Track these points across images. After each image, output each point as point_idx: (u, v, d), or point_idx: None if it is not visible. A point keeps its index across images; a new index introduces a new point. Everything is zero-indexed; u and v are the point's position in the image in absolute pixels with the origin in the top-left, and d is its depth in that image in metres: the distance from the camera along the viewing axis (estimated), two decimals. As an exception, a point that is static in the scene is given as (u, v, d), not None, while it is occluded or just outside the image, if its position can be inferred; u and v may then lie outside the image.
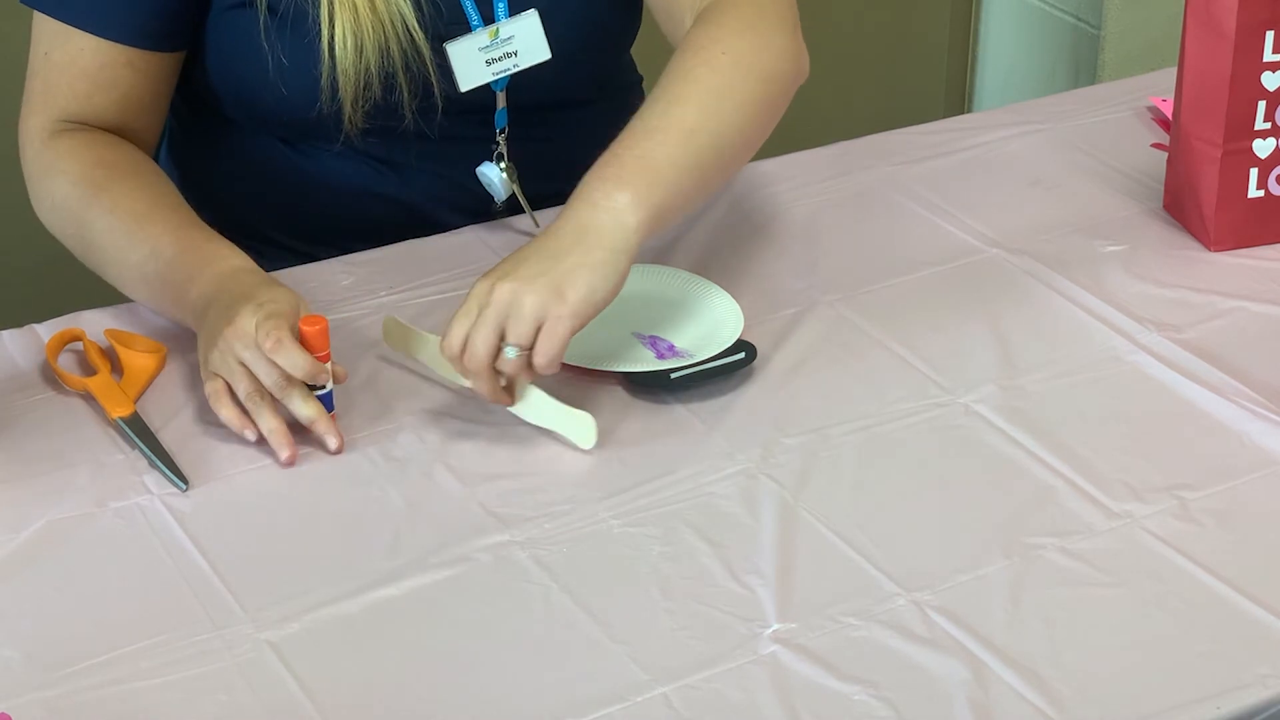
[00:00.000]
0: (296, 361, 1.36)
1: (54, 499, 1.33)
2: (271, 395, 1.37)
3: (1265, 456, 1.37)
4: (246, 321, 1.37)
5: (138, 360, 1.45)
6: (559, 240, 1.38)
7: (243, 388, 1.37)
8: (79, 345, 1.49)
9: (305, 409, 1.37)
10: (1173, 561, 1.26)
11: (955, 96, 3.21)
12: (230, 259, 1.46)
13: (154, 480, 1.35)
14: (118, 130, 1.59)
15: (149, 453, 1.36)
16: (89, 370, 1.46)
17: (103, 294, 1.61)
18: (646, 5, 1.66)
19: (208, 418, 1.41)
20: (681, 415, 1.42)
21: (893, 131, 1.82)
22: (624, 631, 1.21)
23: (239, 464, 1.36)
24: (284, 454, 1.35)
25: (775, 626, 1.21)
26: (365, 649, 1.20)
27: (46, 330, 1.51)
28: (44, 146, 1.57)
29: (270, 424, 1.36)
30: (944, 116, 1.93)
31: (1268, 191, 1.62)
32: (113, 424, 1.40)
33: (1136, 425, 1.41)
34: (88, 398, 1.43)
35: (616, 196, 1.39)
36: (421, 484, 1.35)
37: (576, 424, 1.38)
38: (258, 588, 1.24)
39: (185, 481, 1.34)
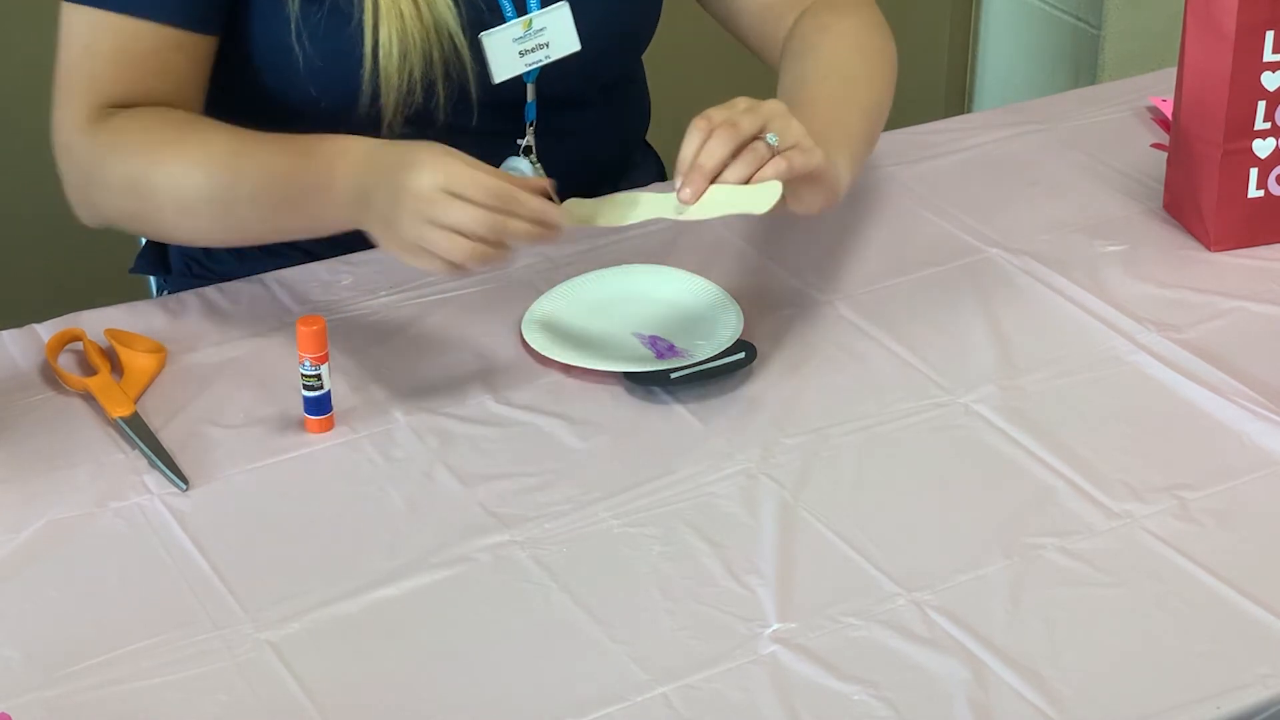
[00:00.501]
0: (526, 204, 1.34)
1: (54, 499, 1.33)
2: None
3: (1265, 456, 1.37)
4: (449, 167, 1.33)
5: (138, 360, 1.45)
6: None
7: (464, 251, 1.33)
8: (79, 345, 1.49)
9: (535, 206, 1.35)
10: (1173, 561, 1.26)
11: (955, 96, 3.21)
12: (353, 146, 1.42)
13: (154, 480, 1.35)
14: None
15: (149, 453, 1.36)
16: (89, 370, 1.46)
17: (103, 294, 1.61)
18: (725, 11, 1.71)
19: (208, 418, 1.41)
20: (681, 415, 1.42)
21: (893, 131, 1.82)
22: (624, 631, 1.21)
23: (239, 464, 1.36)
24: (552, 228, 1.34)
25: (775, 626, 1.21)
26: (365, 649, 1.20)
27: (46, 330, 1.51)
28: (95, 132, 1.50)
29: (520, 227, 1.34)
30: (944, 116, 1.93)
31: (1268, 191, 1.62)
32: (113, 424, 1.40)
33: (1136, 425, 1.41)
34: (88, 398, 1.43)
35: (836, 153, 1.46)
36: (421, 484, 1.35)
37: (754, 194, 1.36)
38: (258, 588, 1.24)
39: (185, 481, 1.34)
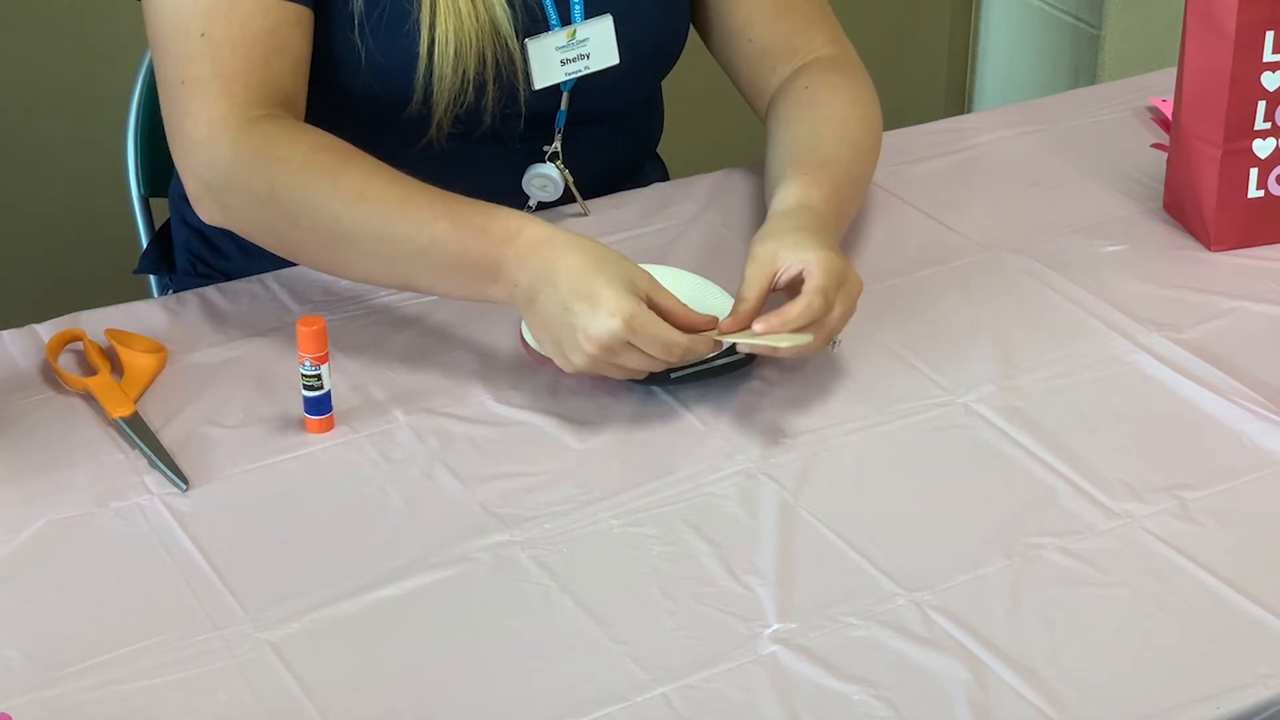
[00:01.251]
0: (680, 346, 1.39)
1: (54, 499, 1.33)
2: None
3: (1265, 456, 1.37)
4: (634, 316, 1.36)
5: (138, 360, 1.45)
6: (832, 246, 1.46)
7: (625, 375, 1.40)
8: (79, 345, 1.49)
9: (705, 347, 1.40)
10: (1173, 561, 1.26)
11: (955, 96, 3.21)
12: (524, 231, 1.41)
13: (154, 480, 1.35)
14: (289, 103, 1.52)
15: (149, 453, 1.36)
16: (89, 370, 1.46)
17: (103, 294, 1.61)
18: (715, 31, 1.72)
19: (208, 418, 1.41)
20: (681, 415, 1.42)
21: (893, 131, 1.82)
22: (624, 631, 1.21)
23: (239, 464, 1.36)
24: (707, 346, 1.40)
25: (775, 626, 1.21)
26: (365, 649, 1.20)
27: (46, 330, 1.51)
28: (241, 133, 1.47)
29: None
30: (944, 116, 1.93)
31: (1268, 191, 1.62)
32: (113, 424, 1.40)
33: (1136, 425, 1.41)
34: (88, 398, 1.43)
35: (834, 240, 1.49)
36: (421, 484, 1.35)
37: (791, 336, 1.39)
38: (258, 588, 1.24)
39: (185, 481, 1.34)
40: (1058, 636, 1.20)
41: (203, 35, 1.49)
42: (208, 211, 1.50)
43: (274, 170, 1.46)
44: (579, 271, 1.37)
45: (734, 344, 1.46)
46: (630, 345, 1.36)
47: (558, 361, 1.41)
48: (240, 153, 1.47)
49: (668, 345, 1.37)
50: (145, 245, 1.84)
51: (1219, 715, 1.14)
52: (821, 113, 1.62)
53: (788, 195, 1.52)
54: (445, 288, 1.46)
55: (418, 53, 1.54)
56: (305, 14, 1.53)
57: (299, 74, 1.54)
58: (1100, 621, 1.22)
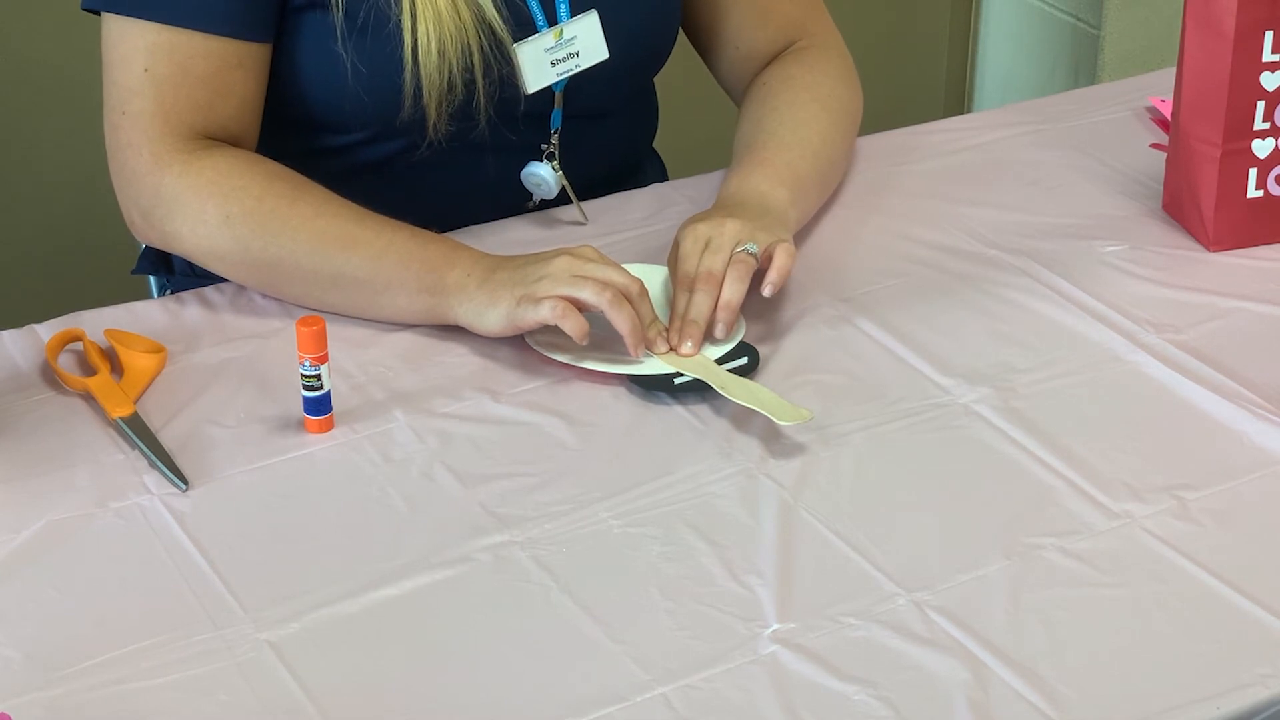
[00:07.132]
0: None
1: (54, 499, 1.33)
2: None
3: (1265, 456, 1.37)
4: (581, 250, 1.46)
5: (138, 360, 1.45)
6: (747, 210, 1.54)
7: (607, 297, 1.42)
8: (79, 345, 1.49)
9: (649, 311, 1.46)
10: (1173, 561, 1.26)
11: (955, 96, 3.21)
12: (474, 249, 1.51)
13: (154, 480, 1.35)
14: (235, 143, 1.56)
15: (149, 453, 1.36)
16: (89, 370, 1.46)
17: (103, 294, 1.61)
18: (703, 37, 1.76)
19: (208, 418, 1.41)
20: (681, 415, 1.42)
21: (893, 131, 1.82)
22: (624, 631, 1.21)
23: (239, 464, 1.36)
24: (640, 351, 1.44)
25: (775, 626, 1.21)
26: (365, 649, 1.20)
27: (46, 330, 1.51)
28: (189, 165, 1.51)
29: (634, 322, 1.43)
30: (944, 116, 1.93)
31: (1267, 191, 1.62)
32: (113, 424, 1.40)
33: (1136, 425, 1.41)
34: (88, 398, 1.43)
35: (779, 191, 1.58)
36: (421, 484, 1.35)
37: (787, 409, 1.38)
38: (258, 588, 1.25)
39: (185, 481, 1.34)
40: (1058, 636, 1.20)
41: (145, 70, 1.52)
42: (144, 236, 1.56)
43: (231, 199, 1.50)
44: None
45: (734, 349, 1.47)
46: (596, 263, 1.45)
47: (520, 313, 1.43)
48: (190, 183, 1.51)
49: (622, 272, 1.45)
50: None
51: (1219, 715, 1.14)
52: (767, 107, 1.67)
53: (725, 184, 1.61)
54: (401, 290, 1.48)
55: (401, 56, 1.54)
56: (253, 52, 1.54)
57: (247, 113, 1.56)
58: (1100, 621, 1.22)
